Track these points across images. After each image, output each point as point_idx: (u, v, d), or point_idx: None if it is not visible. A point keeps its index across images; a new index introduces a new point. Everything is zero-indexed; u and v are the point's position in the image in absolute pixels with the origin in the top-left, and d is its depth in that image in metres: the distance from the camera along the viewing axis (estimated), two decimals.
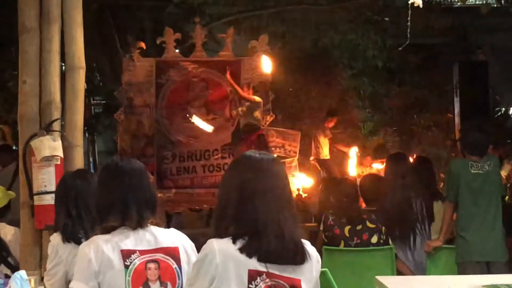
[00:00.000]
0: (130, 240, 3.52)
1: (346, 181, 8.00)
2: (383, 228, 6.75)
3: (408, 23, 8.30)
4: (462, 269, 6.44)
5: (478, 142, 6.55)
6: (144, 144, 13.68)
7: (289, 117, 16.23)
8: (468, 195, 6.51)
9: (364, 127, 19.32)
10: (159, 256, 3.52)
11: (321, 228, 6.92)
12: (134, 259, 3.47)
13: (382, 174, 13.29)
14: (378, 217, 6.85)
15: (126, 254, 3.47)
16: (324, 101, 16.45)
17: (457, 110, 16.68)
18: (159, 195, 8.87)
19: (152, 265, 3.48)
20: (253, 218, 2.92)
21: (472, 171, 6.47)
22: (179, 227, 10.88)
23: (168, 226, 11.12)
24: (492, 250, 6.40)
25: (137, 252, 3.49)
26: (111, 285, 3.41)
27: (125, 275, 3.42)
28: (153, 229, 3.62)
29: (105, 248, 3.44)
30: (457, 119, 16.65)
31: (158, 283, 3.47)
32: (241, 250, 2.90)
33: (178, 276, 3.52)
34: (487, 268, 6.37)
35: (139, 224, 3.55)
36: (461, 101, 16.36)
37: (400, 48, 10.70)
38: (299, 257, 2.97)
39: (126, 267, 3.44)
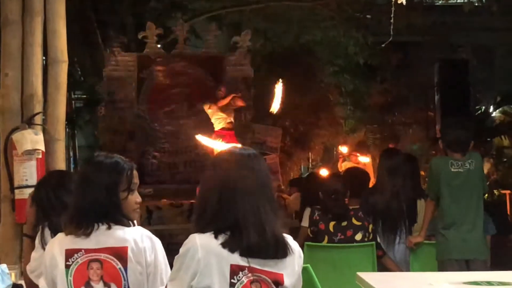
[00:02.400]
0: (80, 239, 3.43)
1: (334, 176, 7.99)
2: (371, 225, 6.76)
3: (391, 20, 8.31)
4: (442, 266, 6.45)
5: (460, 139, 6.53)
6: (125, 139, 13.65)
7: (271, 114, 16.22)
8: (448, 193, 6.50)
9: (346, 124, 19.37)
10: (102, 256, 3.42)
11: (305, 223, 6.92)
12: (77, 258, 3.41)
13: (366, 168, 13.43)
14: (364, 213, 6.86)
15: (69, 254, 3.41)
16: (306, 97, 16.45)
17: (437, 107, 16.74)
18: (139, 189, 8.90)
19: (94, 265, 3.40)
20: (234, 213, 2.92)
21: (453, 170, 6.47)
22: (160, 223, 10.86)
23: (148, 222, 11.09)
24: (472, 248, 6.41)
25: (82, 250, 3.42)
26: (57, 284, 3.42)
27: (67, 274, 3.39)
28: (113, 228, 3.49)
29: (54, 246, 3.47)
30: (437, 117, 16.72)
31: (101, 283, 3.39)
32: (223, 245, 2.90)
33: (123, 277, 3.41)
34: (467, 265, 6.38)
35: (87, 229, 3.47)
36: (441, 99, 16.43)
37: (383, 45, 10.72)
38: (281, 252, 2.96)
39: (67, 266, 3.39)
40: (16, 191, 5.53)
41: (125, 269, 3.41)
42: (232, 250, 2.89)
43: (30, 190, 5.28)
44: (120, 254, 3.43)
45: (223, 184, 2.99)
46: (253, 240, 2.89)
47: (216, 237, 2.91)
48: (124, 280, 3.41)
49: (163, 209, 11.81)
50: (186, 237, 2.99)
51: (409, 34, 16.48)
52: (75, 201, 3.52)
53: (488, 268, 6.26)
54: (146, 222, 10.83)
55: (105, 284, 3.39)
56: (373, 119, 19.20)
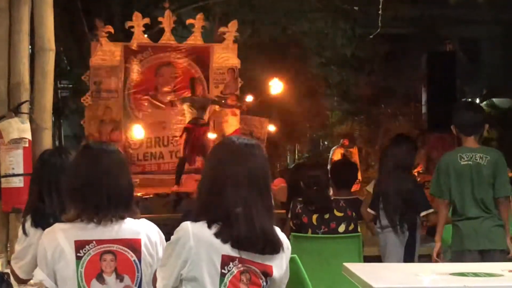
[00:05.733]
0: (89, 230, 3.33)
1: (317, 167, 7.91)
2: (353, 213, 6.75)
3: (380, 11, 8.30)
4: (456, 257, 6.26)
5: (472, 120, 6.29)
6: (111, 129, 13.62)
7: (258, 105, 16.20)
8: (457, 186, 6.24)
9: (332, 116, 19.41)
10: (116, 247, 3.34)
11: (289, 215, 6.91)
12: (88, 250, 3.31)
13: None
14: (349, 204, 6.86)
15: (80, 245, 3.30)
16: (293, 89, 16.44)
17: (424, 99, 16.77)
18: None
19: (107, 257, 3.32)
20: (224, 204, 2.91)
21: (462, 163, 6.22)
22: (146, 212, 10.85)
23: None
24: (484, 238, 6.18)
25: (94, 242, 3.33)
26: (63, 276, 3.29)
27: (77, 266, 3.28)
28: (127, 219, 3.43)
29: (60, 237, 3.31)
30: (424, 109, 16.75)
31: (113, 275, 3.33)
32: (216, 235, 2.89)
33: (137, 269, 3.36)
34: (481, 257, 6.19)
35: (105, 218, 3.36)
36: (428, 91, 16.46)
37: (371, 36, 10.71)
38: (268, 248, 2.93)
39: (79, 258, 3.29)
40: (3, 179, 5.49)
41: (139, 261, 3.36)
42: (224, 241, 2.89)
43: (17, 178, 5.26)
44: (134, 246, 3.38)
45: (214, 174, 2.98)
46: (242, 234, 2.88)
47: (209, 226, 2.90)
48: (138, 272, 3.36)
49: (149, 199, 11.80)
50: (172, 227, 2.99)
51: (396, 27, 16.51)
52: (95, 189, 3.37)
53: (506, 259, 6.05)
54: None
55: (117, 276, 3.33)
56: (360, 110, 19.25)
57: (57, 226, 3.37)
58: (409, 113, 18.24)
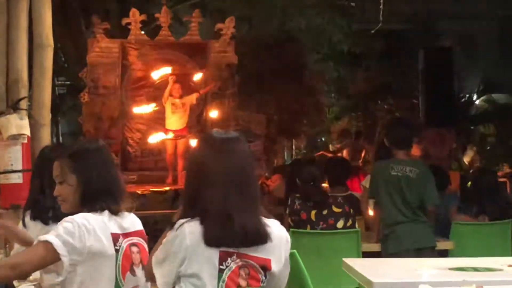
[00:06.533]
0: (114, 223, 3.35)
1: (312, 163, 8.02)
2: (351, 209, 6.80)
3: (381, 6, 8.32)
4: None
5: (403, 136, 6.77)
6: (108, 126, 13.61)
7: (255, 101, 16.20)
8: (387, 196, 6.67)
9: (330, 112, 19.41)
10: (136, 239, 3.43)
11: (287, 212, 6.92)
12: (121, 243, 3.34)
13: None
14: (346, 199, 6.91)
15: (115, 238, 3.33)
16: (290, 85, 16.44)
17: (421, 95, 16.78)
18: (123, 177, 8.84)
19: (134, 249, 3.39)
20: (202, 202, 2.90)
21: (392, 173, 6.65)
22: (144, 209, 10.85)
23: None
24: (419, 237, 6.59)
25: (120, 235, 3.36)
26: (98, 269, 3.25)
27: (116, 259, 3.30)
28: (126, 213, 3.48)
29: (98, 228, 3.26)
30: (421, 106, 16.75)
31: (140, 266, 3.39)
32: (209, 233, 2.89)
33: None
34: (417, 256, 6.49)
35: (118, 208, 3.40)
36: (425, 87, 16.47)
37: (372, 31, 10.74)
38: (253, 241, 2.94)
39: (117, 251, 3.31)
40: (1, 176, 5.50)
41: (149, 252, 3.38)
42: (209, 238, 2.89)
43: (16, 175, 5.27)
44: (144, 237, 3.50)
45: (194, 170, 2.97)
46: (220, 232, 2.87)
47: (202, 223, 2.90)
48: None
49: (147, 196, 11.80)
50: (167, 224, 2.99)
51: (393, 22, 16.49)
52: (111, 181, 3.44)
53: (437, 255, 6.42)
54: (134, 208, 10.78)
55: (143, 267, 3.38)
56: (357, 107, 19.26)
57: (88, 216, 3.29)
58: (406, 109, 18.22)
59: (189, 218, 2.91)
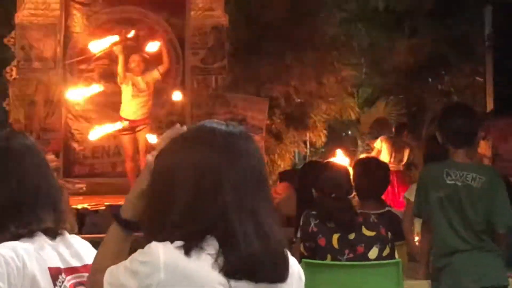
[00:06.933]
0: (52, 253, 3.27)
1: (335, 167, 7.96)
2: (389, 233, 6.78)
3: None
4: None
5: (463, 128, 6.68)
6: (46, 113, 13.63)
7: (254, 79, 16.23)
8: (442, 213, 6.62)
9: (358, 95, 19.44)
10: (85, 277, 3.29)
11: (299, 235, 6.93)
12: (63, 282, 3.25)
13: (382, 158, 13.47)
14: (382, 219, 6.89)
15: (54, 275, 3.22)
16: (303, 56, 16.46)
17: (489, 71, 16.80)
18: (67, 186, 8.82)
19: None
20: (215, 217, 2.87)
21: (448, 181, 6.58)
22: (95, 231, 10.86)
23: (79, 229, 11.11)
24: (486, 273, 6.55)
25: (63, 271, 3.27)
26: None
27: None
28: (68, 236, 3.40)
29: (29, 262, 3.16)
30: (488, 85, 16.78)
31: None
32: (202, 262, 2.86)
33: None
34: None
35: (56, 229, 3.29)
36: (495, 59, 16.48)
37: None
38: (279, 274, 2.93)
39: None
40: None
41: None
42: (219, 268, 2.87)
43: None
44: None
45: (200, 176, 2.92)
46: (248, 253, 2.85)
47: (187, 252, 2.87)
48: None
49: (99, 212, 11.80)
50: (131, 251, 2.96)
51: None
52: (38, 189, 3.35)
53: None
54: (78, 231, 10.79)
55: None
56: (397, 87, 19.29)
57: (15, 245, 3.20)
58: (467, 90, 18.25)
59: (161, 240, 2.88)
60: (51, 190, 3.40)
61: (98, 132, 13.19)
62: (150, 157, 3.06)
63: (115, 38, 13.19)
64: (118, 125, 12.81)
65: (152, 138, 12.31)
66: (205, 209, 2.87)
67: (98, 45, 13.12)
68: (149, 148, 12.46)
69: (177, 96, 13.53)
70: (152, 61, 13.41)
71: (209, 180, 2.89)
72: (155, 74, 13.01)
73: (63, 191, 3.60)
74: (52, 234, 3.31)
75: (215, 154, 2.92)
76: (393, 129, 15.98)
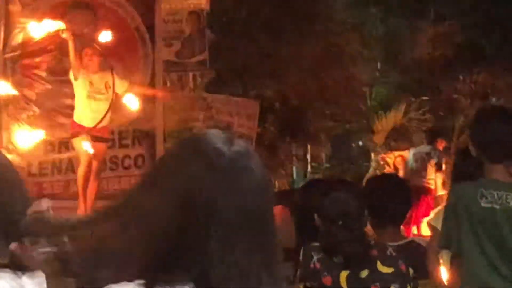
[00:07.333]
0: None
1: (343, 187, 7.97)
2: (410, 269, 6.82)
3: None
4: None
5: (503, 139, 6.56)
6: None
7: (240, 76, 16.31)
8: (475, 242, 6.56)
9: (371, 96, 19.53)
10: None
11: (299, 272, 6.98)
12: None
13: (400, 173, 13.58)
14: (402, 252, 6.95)
15: None
16: (303, 48, 16.56)
17: None
18: None
19: None
20: (200, 261, 2.87)
21: (483, 204, 6.50)
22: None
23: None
24: None
25: None
26: None
27: None
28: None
29: None
30: None
31: None
32: None
33: None
34: None
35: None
36: None
37: None
38: None
39: None
40: None
41: None
42: None
43: None
44: None
45: (192, 208, 2.85)
46: None
47: None
48: None
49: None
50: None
51: None
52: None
53: None
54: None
55: None
56: (420, 86, 19.35)
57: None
58: (508, 90, 18.38)
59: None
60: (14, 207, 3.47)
61: (34, 137, 13.29)
62: None
63: (61, 24, 13.27)
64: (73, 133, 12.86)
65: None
66: (190, 260, 2.76)
67: (41, 28, 13.24)
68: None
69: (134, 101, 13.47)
70: (111, 57, 13.58)
71: (202, 216, 2.73)
72: (124, 84, 13.12)
73: None
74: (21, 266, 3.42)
75: (211, 181, 2.73)
76: (424, 139, 16.02)
